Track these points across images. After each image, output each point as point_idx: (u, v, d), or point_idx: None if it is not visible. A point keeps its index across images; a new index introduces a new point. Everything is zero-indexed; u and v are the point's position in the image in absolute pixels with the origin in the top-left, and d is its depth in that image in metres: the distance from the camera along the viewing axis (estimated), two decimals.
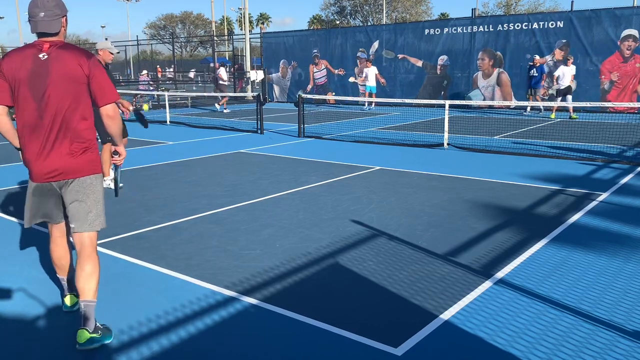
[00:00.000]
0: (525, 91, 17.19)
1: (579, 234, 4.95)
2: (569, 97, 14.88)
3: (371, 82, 19.38)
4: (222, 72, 19.57)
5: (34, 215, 3.13)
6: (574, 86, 15.38)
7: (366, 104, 20.21)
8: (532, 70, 16.15)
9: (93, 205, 3.07)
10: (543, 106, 16.35)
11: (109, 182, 6.96)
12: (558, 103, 13.27)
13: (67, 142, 2.96)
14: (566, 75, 15.00)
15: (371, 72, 19.44)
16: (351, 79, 21.99)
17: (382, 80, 21.44)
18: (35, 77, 2.90)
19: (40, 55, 2.92)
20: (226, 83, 20.31)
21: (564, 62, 15.89)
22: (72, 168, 3.00)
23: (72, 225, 3.08)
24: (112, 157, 3.48)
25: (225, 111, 19.52)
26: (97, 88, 2.98)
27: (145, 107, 12.92)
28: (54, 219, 3.21)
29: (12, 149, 11.21)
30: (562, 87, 15.09)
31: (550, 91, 16.38)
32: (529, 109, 17.17)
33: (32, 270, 4.23)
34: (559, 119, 14.87)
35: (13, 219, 5.68)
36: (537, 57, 16.45)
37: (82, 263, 3.05)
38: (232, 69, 27.08)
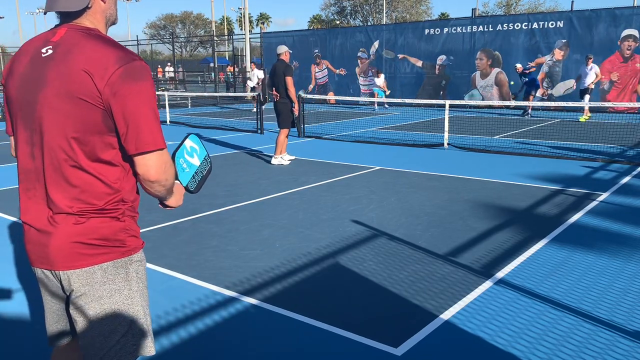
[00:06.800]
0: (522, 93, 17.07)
1: (579, 234, 4.95)
2: (586, 97, 14.34)
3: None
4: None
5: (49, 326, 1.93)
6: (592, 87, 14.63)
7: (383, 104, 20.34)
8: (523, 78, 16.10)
9: (103, 321, 1.75)
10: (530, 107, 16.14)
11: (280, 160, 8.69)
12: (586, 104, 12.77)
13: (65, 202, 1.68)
14: (588, 75, 14.49)
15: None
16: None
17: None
18: (25, 90, 1.69)
19: (44, 50, 1.67)
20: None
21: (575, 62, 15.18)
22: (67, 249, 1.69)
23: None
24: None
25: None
26: (123, 123, 1.62)
27: None
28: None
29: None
30: (580, 88, 14.66)
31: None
32: (530, 109, 17.00)
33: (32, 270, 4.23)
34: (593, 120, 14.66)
35: (13, 218, 5.67)
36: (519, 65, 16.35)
37: None
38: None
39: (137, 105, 1.61)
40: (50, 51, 1.65)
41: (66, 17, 1.72)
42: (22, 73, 1.70)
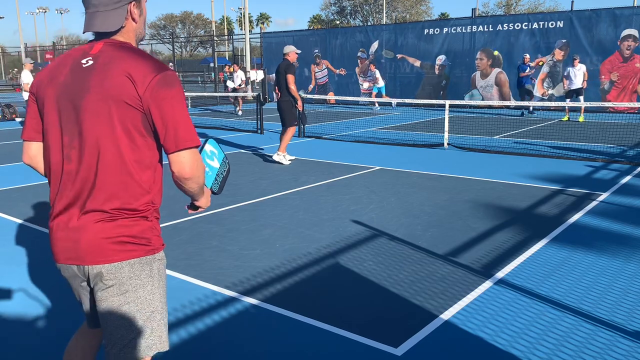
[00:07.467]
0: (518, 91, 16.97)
1: (579, 234, 4.95)
2: (581, 98, 14.15)
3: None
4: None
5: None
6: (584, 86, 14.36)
7: (377, 104, 20.47)
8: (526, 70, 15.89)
9: (130, 315, 1.87)
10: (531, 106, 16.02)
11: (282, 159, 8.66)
12: (568, 104, 12.75)
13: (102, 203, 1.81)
14: (577, 75, 14.23)
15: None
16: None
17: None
18: (66, 96, 1.83)
19: (84, 61, 1.84)
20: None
21: (571, 62, 14.94)
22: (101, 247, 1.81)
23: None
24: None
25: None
26: (162, 124, 1.77)
27: None
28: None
29: (12, 149, 11.12)
30: (572, 88, 14.43)
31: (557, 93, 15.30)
32: (531, 108, 16.91)
33: (32, 270, 4.23)
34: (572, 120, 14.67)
35: (13, 218, 5.67)
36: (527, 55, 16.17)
37: None
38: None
39: (174, 107, 1.78)
40: (90, 62, 1.83)
41: (102, 35, 1.89)
42: (63, 82, 1.84)
